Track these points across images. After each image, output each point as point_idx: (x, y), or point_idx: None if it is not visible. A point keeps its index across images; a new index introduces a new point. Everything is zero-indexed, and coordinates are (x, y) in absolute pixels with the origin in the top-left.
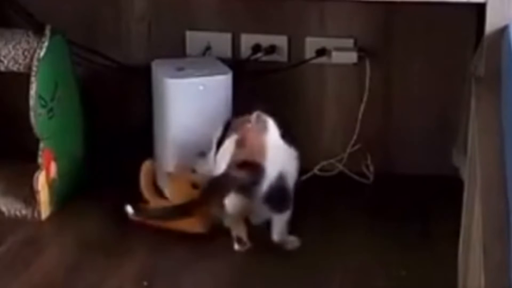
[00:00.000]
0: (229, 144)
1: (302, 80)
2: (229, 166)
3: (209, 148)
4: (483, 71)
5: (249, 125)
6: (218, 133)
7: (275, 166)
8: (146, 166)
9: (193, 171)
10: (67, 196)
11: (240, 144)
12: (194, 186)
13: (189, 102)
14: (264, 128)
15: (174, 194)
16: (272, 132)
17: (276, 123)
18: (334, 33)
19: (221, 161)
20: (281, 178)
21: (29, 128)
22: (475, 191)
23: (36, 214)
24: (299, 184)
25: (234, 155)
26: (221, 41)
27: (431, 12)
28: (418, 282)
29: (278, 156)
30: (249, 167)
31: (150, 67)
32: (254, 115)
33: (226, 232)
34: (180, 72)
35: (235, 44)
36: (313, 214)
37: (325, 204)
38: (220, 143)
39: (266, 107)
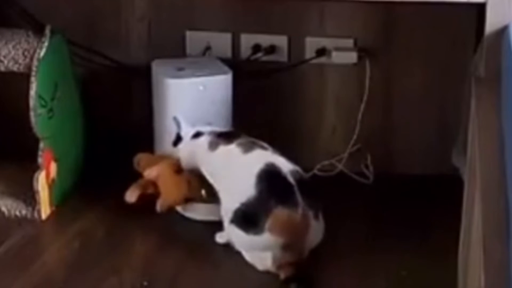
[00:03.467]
0: (272, 242)
1: (302, 80)
2: (278, 267)
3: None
4: (483, 71)
5: (295, 227)
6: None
7: (310, 249)
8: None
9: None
10: (67, 196)
11: (286, 247)
12: (178, 170)
13: (189, 102)
14: (307, 227)
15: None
16: (312, 225)
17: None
18: (334, 33)
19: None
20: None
21: (29, 128)
22: (475, 191)
23: (36, 214)
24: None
25: (281, 256)
26: (221, 41)
27: (431, 12)
28: (418, 282)
29: (313, 242)
30: (296, 264)
31: (150, 67)
32: (299, 214)
33: None
34: (180, 72)
35: (235, 44)
36: None
37: (325, 204)
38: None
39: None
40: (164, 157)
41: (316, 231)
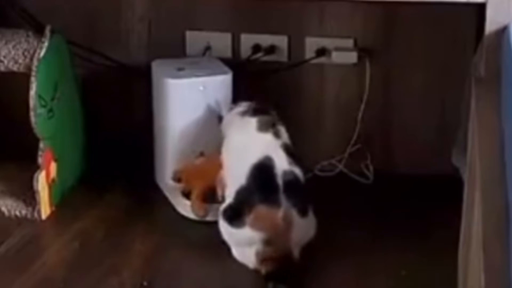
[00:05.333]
0: (253, 237)
1: (302, 80)
2: (261, 261)
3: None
4: (483, 71)
5: (276, 224)
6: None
7: (299, 246)
8: None
9: (201, 154)
10: (67, 196)
11: (268, 242)
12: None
13: (189, 102)
14: (290, 225)
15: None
16: (296, 223)
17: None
18: (334, 33)
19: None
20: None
21: (29, 128)
22: (475, 191)
23: (36, 214)
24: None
25: (263, 251)
26: (221, 41)
27: (431, 12)
28: (418, 282)
29: (301, 238)
30: (280, 262)
31: (150, 67)
32: (280, 214)
33: None
34: (180, 72)
35: (235, 44)
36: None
37: (325, 204)
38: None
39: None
40: (204, 163)
41: (304, 228)
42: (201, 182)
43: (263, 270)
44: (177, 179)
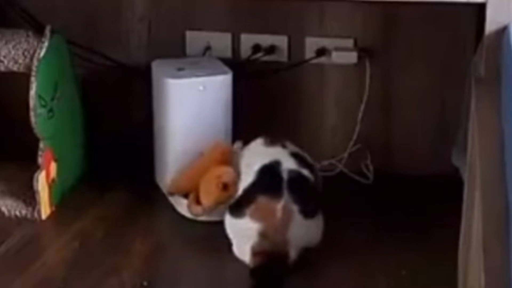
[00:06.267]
0: (251, 229)
1: (302, 80)
2: (253, 255)
3: None
4: (483, 71)
5: (274, 216)
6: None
7: (298, 247)
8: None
9: (201, 154)
10: (67, 196)
11: (264, 235)
12: (224, 186)
13: (189, 102)
14: (289, 220)
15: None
16: (297, 221)
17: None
18: (334, 33)
19: (241, 242)
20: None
21: (29, 128)
22: (475, 191)
23: (36, 214)
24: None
25: (258, 245)
26: (221, 41)
27: (431, 12)
28: (418, 282)
29: (301, 239)
30: (272, 257)
31: (150, 67)
32: (280, 205)
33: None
34: (180, 72)
35: (235, 44)
36: None
37: (325, 204)
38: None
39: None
40: (201, 164)
41: (306, 229)
42: (198, 183)
43: (252, 264)
44: (171, 193)
